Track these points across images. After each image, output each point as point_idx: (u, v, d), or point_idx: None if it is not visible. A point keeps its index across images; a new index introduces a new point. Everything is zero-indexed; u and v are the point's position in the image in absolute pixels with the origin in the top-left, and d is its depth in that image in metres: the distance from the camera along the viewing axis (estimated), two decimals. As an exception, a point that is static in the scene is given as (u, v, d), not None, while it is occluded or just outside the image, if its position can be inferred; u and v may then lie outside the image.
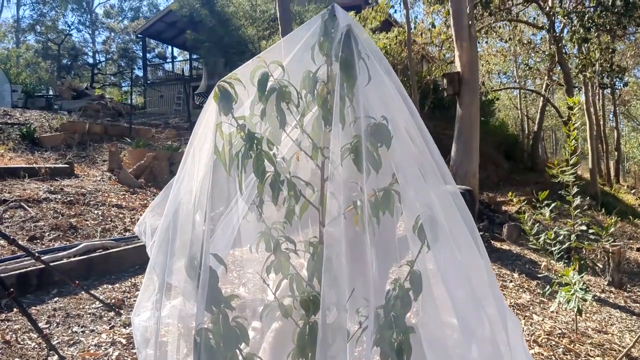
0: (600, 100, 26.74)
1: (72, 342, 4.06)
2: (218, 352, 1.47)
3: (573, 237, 6.26)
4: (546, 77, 22.47)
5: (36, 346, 3.92)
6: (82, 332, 4.24)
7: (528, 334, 5.72)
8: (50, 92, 21.28)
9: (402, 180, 1.51)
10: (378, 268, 1.56)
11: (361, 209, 1.50)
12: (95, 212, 6.98)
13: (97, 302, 4.78)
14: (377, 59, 1.54)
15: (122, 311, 4.68)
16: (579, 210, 6.10)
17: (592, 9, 14.01)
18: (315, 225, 1.70)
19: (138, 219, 7.16)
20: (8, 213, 6.11)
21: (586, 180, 19.47)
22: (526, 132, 27.81)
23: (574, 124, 5.86)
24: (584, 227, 6.13)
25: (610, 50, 16.54)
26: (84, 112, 15.44)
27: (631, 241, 12.65)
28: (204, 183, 1.55)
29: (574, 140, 5.90)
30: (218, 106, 1.51)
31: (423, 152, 1.54)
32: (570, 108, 5.99)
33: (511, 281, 7.70)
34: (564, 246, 6.13)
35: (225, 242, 1.72)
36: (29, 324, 4.09)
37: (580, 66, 16.93)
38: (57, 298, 4.78)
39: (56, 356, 3.72)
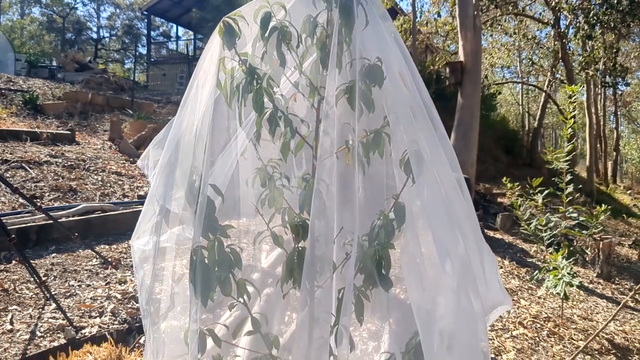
0: (602, 100, 26.78)
1: (68, 294, 4.16)
2: (212, 271, 1.56)
3: (564, 224, 6.37)
4: (549, 74, 22.50)
5: (34, 295, 4.02)
6: (78, 286, 4.35)
7: (514, 317, 5.84)
8: (54, 63, 21.26)
9: (394, 121, 1.60)
10: (365, 204, 1.65)
11: (352, 149, 1.58)
12: (95, 177, 7.06)
13: (94, 260, 4.88)
14: (374, 4, 1.62)
15: (118, 270, 4.78)
16: (571, 197, 6.21)
17: (597, 6, 14.03)
18: (309, 164, 1.78)
19: (137, 187, 7.26)
20: (9, 173, 6.19)
21: (583, 178, 19.58)
22: (526, 128, 27.87)
23: (571, 113, 5.94)
24: (575, 214, 6.23)
25: (614, 49, 16.57)
26: (87, 85, 15.48)
27: (623, 238, 12.78)
28: (205, 116, 1.63)
29: (570, 129, 5.99)
30: (222, 40, 1.59)
31: (414, 95, 1.63)
32: (570, 96, 6.07)
33: (501, 267, 7.82)
34: (554, 232, 6.24)
35: (223, 176, 1.81)
36: (27, 275, 4.20)
37: (583, 63, 16.97)
38: (55, 254, 4.88)
39: (53, 304, 3.82)
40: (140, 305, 1.72)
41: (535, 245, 7.16)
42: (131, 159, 8.47)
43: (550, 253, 5.90)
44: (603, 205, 6.76)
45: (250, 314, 1.68)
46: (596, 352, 5.24)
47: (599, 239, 8.17)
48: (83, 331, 3.62)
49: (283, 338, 1.85)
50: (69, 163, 7.17)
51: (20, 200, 5.57)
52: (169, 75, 26.60)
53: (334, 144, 1.59)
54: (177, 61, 28.26)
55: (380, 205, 1.72)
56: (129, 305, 4.15)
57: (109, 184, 7.02)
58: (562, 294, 5.49)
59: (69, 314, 3.72)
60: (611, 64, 16.29)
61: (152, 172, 1.84)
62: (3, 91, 11.49)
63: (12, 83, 12.90)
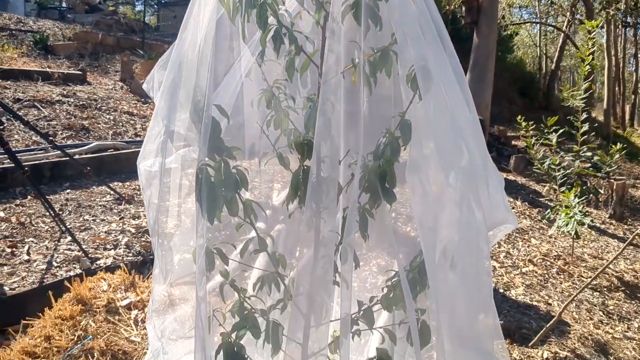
0: (622, 42, 26.04)
1: (83, 228, 4.24)
2: (218, 190, 1.57)
3: (577, 163, 6.31)
4: (568, 14, 21.85)
5: (49, 229, 4.10)
6: (93, 220, 4.42)
7: (524, 255, 5.88)
8: (63, 5, 20.98)
9: (401, 38, 1.56)
10: (371, 123, 1.63)
11: (359, 67, 1.55)
12: (107, 117, 7.07)
13: (108, 196, 4.94)
14: None
15: (131, 205, 4.84)
16: (586, 136, 6.13)
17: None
18: (315, 85, 1.75)
19: (148, 126, 7.28)
20: (22, 111, 6.21)
21: (599, 121, 19.28)
22: (543, 71, 27.28)
23: (590, 50, 5.79)
24: (589, 154, 6.17)
25: (638, -13, 16.00)
26: (97, 26, 15.30)
27: (638, 181, 12.68)
28: (209, 35, 1.60)
29: (588, 66, 5.84)
30: (225, -47, 1.55)
31: (423, 11, 1.58)
32: (589, 32, 5.90)
33: (513, 208, 7.82)
34: (567, 171, 6.19)
35: (228, 98, 1.79)
36: (43, 209, 4.28)
37: (604, 3, 16.43)
38: (69, 190, 4.95)
39: (69, 237, 3.90)
40: (148, 224, 1.75)
41: (548, 185, 7.11)
42: (142, 99, 8.45)
43: (563, 192, 5.87)
44: (619, 145, 6.67)
45: (257, 234, 1.70)
46: (605, 289, 5.29)
47: (613, 179, 8.10)
48: (98, 262, 3.70)
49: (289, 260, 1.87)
50: (81, 103, 7.17)
51: (34, 138, 5.61)
52: (179, 17, 26.17)
53: (340, 62, 1.56)
54: (188, 2, 27.71)
55: (386, 124, 1.69)
56: (143, 239, 4.22)
57: (120, 124, 7.04)
58: (573, 233, 5.49)
59: (84, 247, 3.80)
60: (632, 3, 15.75)
61: (157, 93, 1.83)
62: (14, 32, 11.41)
63: (22, 24, 12.79)
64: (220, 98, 1.79)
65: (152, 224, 1.73)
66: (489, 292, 1.46)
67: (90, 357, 2.24)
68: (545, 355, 3.65)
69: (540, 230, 6.92)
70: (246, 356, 1.52)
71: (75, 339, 2.30)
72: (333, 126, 1.55)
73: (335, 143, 1.58)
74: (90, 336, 2.31)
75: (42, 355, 2.23)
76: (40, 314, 2.53)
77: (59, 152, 5.09)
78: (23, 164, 4.36)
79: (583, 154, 6.18)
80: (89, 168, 4.67)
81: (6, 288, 3.24)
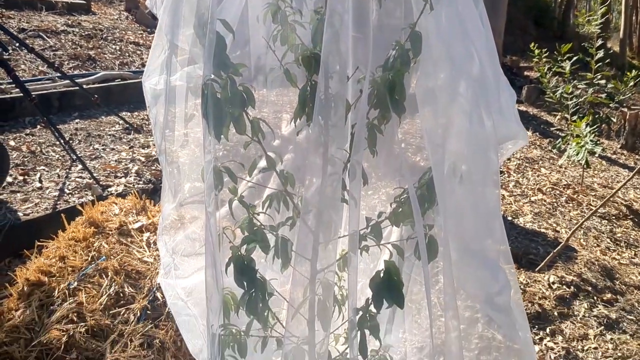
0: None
1: (93, 156, 4.26)
2: (225, 106, 1.55)
3: (590, 91, 6.20)
4: None
5: (60, 157, 4.12)
6: (103, 149, 4.44)
7: (534, 184, 5.88)
8: None
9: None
10: (380, 34, 1.58)
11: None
12: (113, 47, 6.98)
13: (117, 126, 4.94)
14: None
15: (140, 135, 4.85)
16: (600, 63, 5.99)
17: None
18: (322, -2, 1.69)
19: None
20: (27, 42, 6.13)
21: (615, 52, 18.80)
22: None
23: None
24: (603, 81, 6.05)
25: None
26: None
27: (652, 112, 12.50)
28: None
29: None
30: None
31: None
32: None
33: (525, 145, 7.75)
34: (580, 99, 6.10)
35: (233, 12, 1.74)
36: (53, 139, 4.29)
37: None
38: (78, 120, 4.94)
39: (79, 166, 3.93)
40: (155, 142, 1.74)
41: (559, 114, 7.01)
42: (148, 30, 8.30)
43: (574, 121, 5.80)
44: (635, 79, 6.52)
45: (265, 152, 1.69)
46: (613, 217, 5.30)
47: (626, 109, 7.98)
48: (109, 189, 3.74)
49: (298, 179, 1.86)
50: (86, 33, 7.06)
51: (40, 67, 5.56)
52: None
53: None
54: None
55: (396, 36, 1.64)
56: (153, 168, 4.25)
57: (127, 54, 6.95)
58: (583, 162, 5.46)
59: (94, 175, 3.83)
60: None
61: (159, 10, 1.78)
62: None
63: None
64: (225, 12, 1.74)
65: (159, 143, 1.73)
66: (496, 205, 1.46)
67: (104, 276, 2.30)
68: (551, 280, 3.71)
69: (551, 160, 6.89)
70: (256, 268, 1.54)
71: (89, 259, 2.35)
72: (341, 39, 1.51)
73: (344, 58, 1.54)
74: (104, 257, 2.36)
75: (57, 274, 2.28)
76: (54, 237, 2.58)
77: (66, 82, 5.06)
78: (32, 93, 4.34)
79: (597, 82, 6.06)
80: (96, 96, 4.64)
81: (20, 214, 3.30)
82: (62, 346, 2.04)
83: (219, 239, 1.58)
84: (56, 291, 2.21)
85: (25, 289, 2.23)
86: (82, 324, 2.10)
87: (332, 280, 1.64)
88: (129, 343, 2.09)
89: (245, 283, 1.53)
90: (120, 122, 4.99)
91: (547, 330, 3.25)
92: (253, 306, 1.54)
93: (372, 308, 1.55)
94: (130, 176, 4.03)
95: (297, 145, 1.82)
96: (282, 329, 1.66)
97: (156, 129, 1.73)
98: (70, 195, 3.58)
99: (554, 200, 5.51)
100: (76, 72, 5.84)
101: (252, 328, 1.63)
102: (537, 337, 3.18)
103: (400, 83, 1.34)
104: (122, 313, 2.19)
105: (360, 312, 1.53)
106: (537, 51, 6.25)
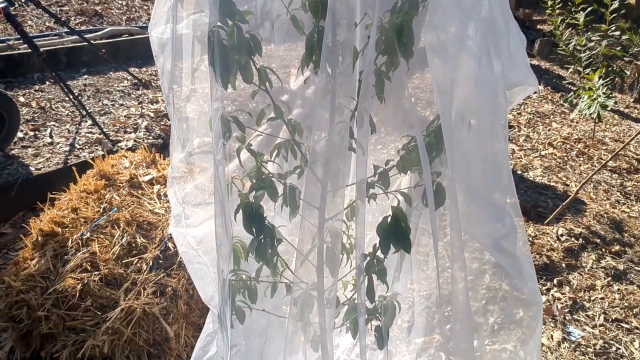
0: None
1: (103, 112, 4.27)
2: (232, 54, 1.54)
3: (604, 43, 6.08)
4: None
5: (69, 113, 4.14)
6: (112, 105, 4.44)
7: (544, 138, 5.84)
8: None
9: None
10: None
11: None
12: (120, 2, 6.91)
13: (125, 81, 4.93)
14: None
15: (149, 90, 4.84)
16: (615, 14, 5.85)
17: None
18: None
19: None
20: (33, -3, 6.08)
21: (631, 4, 18.34)
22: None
23: None
24: (617, 33, 5.92)
25: None
26: None
27: (667, 65, 12.27)
28: None
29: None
30: None
31: None
32: None
33: (535, 92, 7.66)
34: (593, 52, 5.99)
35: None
36: (62, 95, 4.29)
37: None
38: (87, 76, 4.93)
39: (89, 121, 3.94)
40: (162, 92, 1.74)
41: (572, 67, 6.90)
42: (155, -16, 8.19)
43: (587, 74, 5.71)
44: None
45: (272, 101, 1.68)
46: (624, 171, 5.28)
47: (640, 62, 7.83)
48: (119, 144, 3.77)
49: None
50: (92, -13, 6.98)
51: (47, 23, 5.53)
52: None
53: None
54: None
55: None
56: (162, 123, 4.26)
57: (134, 9, 6.87)
58: (595, 116, 5.40)
59: (104, 130, 3.85)
60: None
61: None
62: None
63: None
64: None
65: (166, 93, 1.73)
66: (504, 153, 1.46)
67: (116, 227, 2.33)
68: (559, 232, 3.72)
69: (562, 115, 6.82)
70: (265, 215, 1.56)
71: (101, 210, 2.38)
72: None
73: (351, 3, 1.52)
74: (116, 208, 2.39)
75: (70, 225, 2.32)
76: (66, 190, 2.61)
77: (74, 37, 5.03)
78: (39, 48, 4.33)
79: (611, 34, 5.93)
80: (104, 50, 4.62)
81: (32, 169, 3.33)
82: (77, 294, 2.09)
83: (227, 188, 1.59)
84: (69, 241, 2.25)
85: (39, 239, 2.28)
86: (95, 272, 2.15)
87: (340, 229, 1.65)
88: (142, 291, 2.14)
89: (254, 229, 1.55)
90: (129, 77, 4.98)
91: (555, 281, 3.28)
92: (262, 252, 1.57)
93: (379, 254, 1.57)
94: (139, 131, 4.04)
95: (305, 97, 1.82)
96: (291, 275, 1.69)
97: (163, 78, 1.72)
98: (80, 150, 3.61)
99: (565, 155, 5.48)
100: (83, 27, 5.79)
101: (261, 274, 1.66)
102: (544, 288, 3.22)
103: (409, 27, 1.32)
104: (134, 262, 2.23)
105: (368, 258, 1.55)
106: (550, 2, 6.10)
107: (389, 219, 1.49)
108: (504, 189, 1.53)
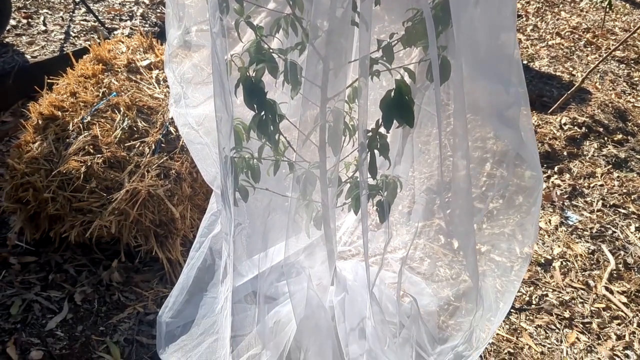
0: None
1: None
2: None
3: None
4: None
5: (62, 0, 3.99)
6: (105, -8, 4.28)
7: (552, 27, 5.66)
8: None
9: None
10: None
11: None
12: None
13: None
14: None
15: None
16: None
17: None
18: None
19: None
20: None
21: None
22: None
23: None
24: None
25: None
26: None
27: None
28: None
29: None
30: None
31: None
32: None
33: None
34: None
35: None
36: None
37: None
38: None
39: (83, 9, 3.81)
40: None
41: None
42: None
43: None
44: None
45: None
46: (632, 61, 5.16)
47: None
48: (115, 32, 3.66)
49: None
50: None
51: None
52: None
53: None
54: None
55: None
56: (158, 11, 4.12)
57: None
58: (606, 4, 5.20)
59: (99, 18, 3.72)
60: None
61: None
62: None
63: None
64: None
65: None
66: (511, 21, 1.41)
67: (117, 111, 2.31)
68: (563, 121, 3.70)
69: (572, 4, 6.57)
70: (266, 91, 1.53)
71: (100, 95, 2.35)
72: None
73: None
74: (115, 93, 2.36)
75: (70, 109, 2.30)
76: (63, 76, 2.56)
77: None
78: None
79: None
80: None
81: (27, 56, 3.26)
82: (82, 176, 2.10)
83: (227, 65, 1.55)
84: (70, 125, 2.24)
85: (40, 122, 2.26)
86: (98, 155, 2.15)
87: (343, 108, 1.63)
88: (145, 173, 2.15)
89: (255, 105, 1.53)
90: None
91: (555, 168, 3.30)
92: (264, 127, 1.56)
93: (382, 130, 1.56)
94: (135, 19, 3.92)
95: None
96: (294, 154, 1.69)
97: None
98: (76, 38, 3.51)
99: (572, 45, 5.34)
100: None
101: (263, 153, 1.66)
102: (544, 176, 3.24)
103: None
104: (137, 146, 2.23)
105: (370, 134, 1.54)
106: None
107: (392, 93, 1.46)
108: (509, 61, 1.49)
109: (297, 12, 1.69)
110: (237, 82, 1.51)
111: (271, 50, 1.61)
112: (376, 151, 1.57)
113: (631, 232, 2.90)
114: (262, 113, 1.54)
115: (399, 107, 1.45)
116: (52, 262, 2.27)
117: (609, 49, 5.36)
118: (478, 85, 1.36)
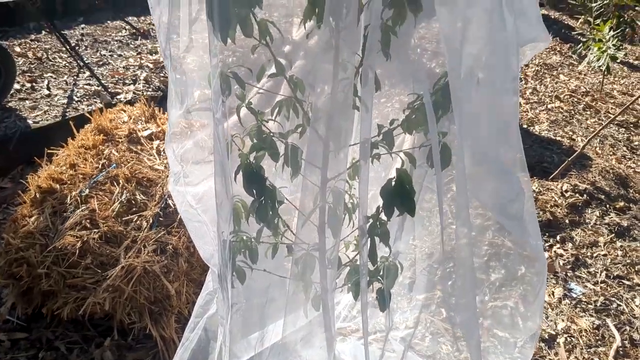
0: None
1: (101, 63, 4.18)
2: (231, 8, 1.47)
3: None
4: None
5: (67, 64, 4.05)
6: (110, 55, 4.35)
7: (551, 91, 5.74)
8: None
9: None
10: None
11: None
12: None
13: (123, 31, 4.81)
14: None
15: (148, 40, 4.73)
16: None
17: None
18: None
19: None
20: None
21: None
22: None
23: None
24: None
25: None
26: None
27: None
28: None
29: None
30: None
31: None
32: None
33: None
34: (605, 1, 5.82)
35: None
36: (59, 45, 4.20)
37: None
38: (84, 25, 4.82)
39: (87, 73, 3.86)
40: (159, 46, 1.68)
41: (582, 17, 6.71)
42: None
43: (597, 25, 5.56)
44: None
45: (273, 56, 1.62)
46: (631, 125, 5.20)
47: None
48: (118, 97, 3.70)
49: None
50: None
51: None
52: None
53: None
54: None
55: None
56: (162, 75, 4.17)
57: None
58: (604, 68, 5.28)
59: (102, 82, 3.77)
60: None
61: None
62: None
63: None
64: None
65: (164, 47, 1.66)
66: (514, 112, 1.40)
67: (115, 184, 2.30)
68: (564, 188, 3.68)
69: (570, 67, 6.68)
70: (266, 176, 1.52)
71: (100, 167, 2.34)
72: None
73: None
74: (114, 164, 2.35)
75: (68, 182, 2.29)
76: (64, 145, 2.57)
77: (69, -16, 4.89)
78: (33, -4, 4.20)
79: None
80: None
81: (30, 122, 3.28)
82: (77, 251, 2.07)
83: (227, 147, 1.55)
84: (68, 198, 2.22)
85: (38, 196, 2.25)
86: (95, 230, 2.13)
87: (343, 189, 1.62)
88: (142, 249, 2.12)
89: (254, 191, 1.51)
90: (127, 27, 4.86)
91: (558, 237, 3.26)
92: (263, 213, 1.54)
93: (382, 216, 1.54)
94: (138, 83, 3.96)
95: (308, 50, 1.75)
96: (293, 236, 1.66)
97: (160, 32, 1.65)
98: (79, 103, 3.55)
99: (572, 108, 5.39)
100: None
101: (262, 235, 1.64)
102: (547, 245, 3.20)
103: (417, -21, 1.25)
104: (134, 220, 2.21)
105: (371, 220, 1.52)
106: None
107: (393, 181, 1.45)
108: (512, 145, 1.48)
109: (299, 94, 1.70)
110: (238, 169, 1.50)
111: (272, 134, 1.61)
112: (376, 237, 1.54)
113: (636, 306, 2.83)
114: (262, 199, 1.53)
115: (400, 196, 1.44)
116: (43, 338, 2.21)
117: (608, 112, 5.41)
118: (480, 180, 1.35)
